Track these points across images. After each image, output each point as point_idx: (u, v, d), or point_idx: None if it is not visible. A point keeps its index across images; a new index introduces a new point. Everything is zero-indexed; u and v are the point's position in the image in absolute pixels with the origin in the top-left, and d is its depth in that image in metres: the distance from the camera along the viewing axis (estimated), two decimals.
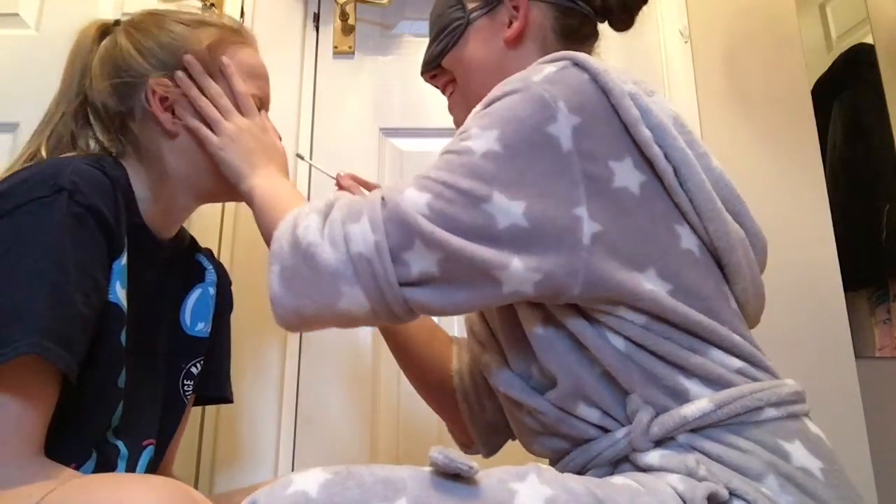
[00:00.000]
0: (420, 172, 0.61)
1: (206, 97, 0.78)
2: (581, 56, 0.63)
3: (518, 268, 0.56)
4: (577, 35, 0.78)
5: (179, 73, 0.77)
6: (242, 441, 1.12)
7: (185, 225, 0.88)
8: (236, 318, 1.16)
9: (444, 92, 0.84)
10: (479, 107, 0.64)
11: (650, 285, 0.58)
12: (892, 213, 1.25)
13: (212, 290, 0.90)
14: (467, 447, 0.89)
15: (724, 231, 0.62)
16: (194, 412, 1.10)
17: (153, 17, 0.81)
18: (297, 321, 0.61)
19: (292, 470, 1.10)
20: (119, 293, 0.68)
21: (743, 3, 1.33)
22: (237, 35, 0.83)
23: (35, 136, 0.78)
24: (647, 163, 0.60)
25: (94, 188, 0.65)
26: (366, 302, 0.58)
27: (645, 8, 0.80)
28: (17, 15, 1.22)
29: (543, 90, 0.59)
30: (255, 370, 1.15)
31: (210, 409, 1.12)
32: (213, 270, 0.91)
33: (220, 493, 1.05)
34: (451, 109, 0.83)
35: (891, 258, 1.25)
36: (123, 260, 0.69)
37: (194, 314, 0.87)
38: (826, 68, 1.43)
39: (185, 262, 0.88)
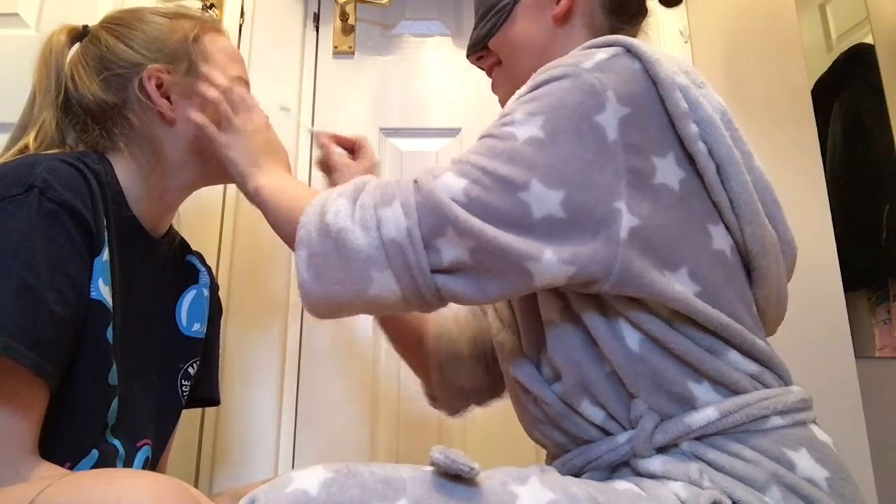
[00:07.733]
0: (458, 156, 0.60)
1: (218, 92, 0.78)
2: (634, 43, 0.61)
3: (551, 260, 0.55)
4: (626, 12, 0.75)
5: (201, 83, 0.78)
6: (242, 440, 1.12)
7: (183, 225, 0.88)
8: (237, 318, 1.16)
9: (489, 74, 0.82)
10: (523, 89, 0.62)
11: (680, 286, 0.57)
12: (893, 214, 1.25)
13: (206, 292, 0.90)
14: (434, 401, 0.89)
15: (760, 235, 0.60)
16: (194, 412, 1.10)
17: (132, 13, 0.82)
18: (327, 308, 0.60)
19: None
20: (102, 289, 0.67)
21: (743, 3, 1.32)
22: (213, 23, 0.86)
23: (15, 138, 0.77)
24: (690, 159, 0.59)
25: (66, 184, 0.64)
26: (397, 288, 0.57)
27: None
28: (17, 15, 1.22)
29: (594, 78, 0.58)
30: (255, 370, 1.15)
31: (210, 408, 1.12)
32: (205, 273, 0.91)
33: (220, 492, 1.05)
34: (494, 89, 0.82)
35: (891, 258, 1.24)
36: (105, 256, 0.69)
37: (190, 314, 0.86)
38: (826, 68, 1.43)
39: (177, 262, 0.88)
